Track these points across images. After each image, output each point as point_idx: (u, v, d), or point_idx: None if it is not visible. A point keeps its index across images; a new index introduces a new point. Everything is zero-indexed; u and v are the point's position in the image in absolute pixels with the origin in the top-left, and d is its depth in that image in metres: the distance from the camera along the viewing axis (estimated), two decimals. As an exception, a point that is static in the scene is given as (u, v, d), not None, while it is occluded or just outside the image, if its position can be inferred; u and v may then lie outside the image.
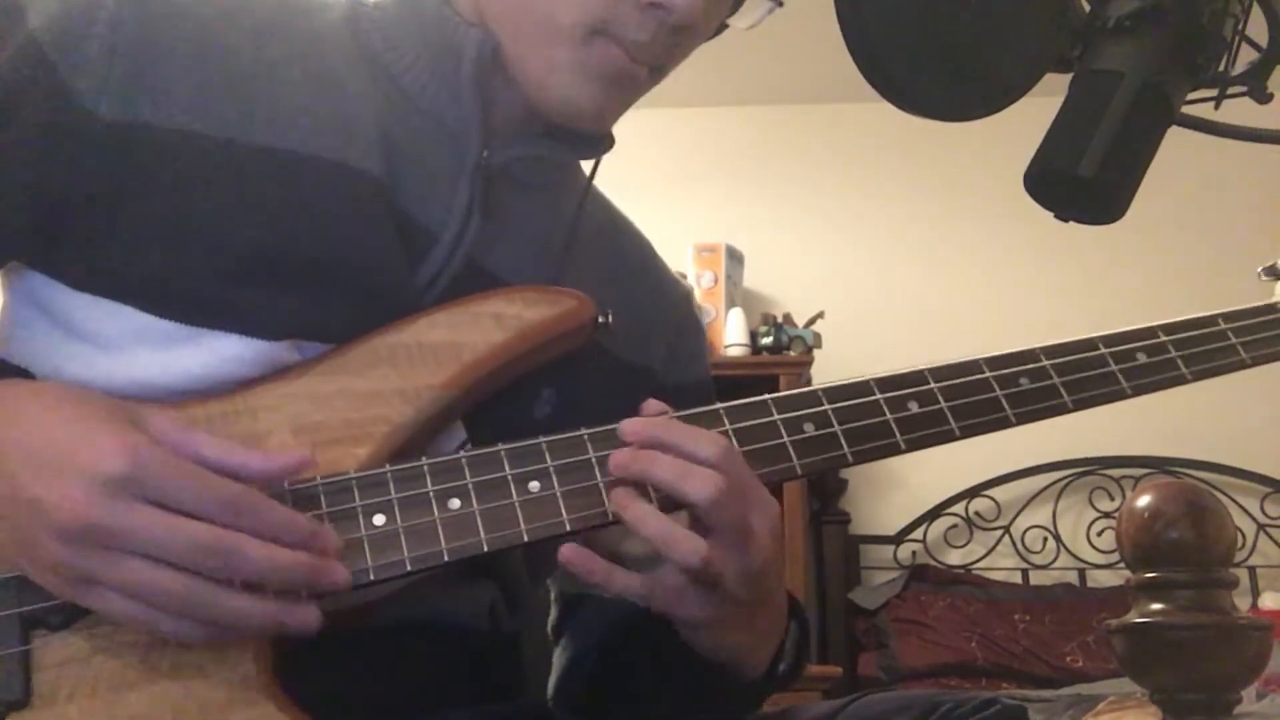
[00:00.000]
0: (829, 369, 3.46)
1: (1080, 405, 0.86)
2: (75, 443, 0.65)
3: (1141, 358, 0.89)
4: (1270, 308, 0.95)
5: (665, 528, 0.73)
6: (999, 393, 0.84)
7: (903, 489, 3.53)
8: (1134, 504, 0.73)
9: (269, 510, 0.68)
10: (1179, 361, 0.89)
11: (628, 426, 0.76)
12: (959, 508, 3.53)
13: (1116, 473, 3.48)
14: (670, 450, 0.75)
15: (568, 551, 0.74)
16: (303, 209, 0.78)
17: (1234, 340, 0.92)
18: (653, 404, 0.79)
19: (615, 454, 0.75)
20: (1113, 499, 3.49)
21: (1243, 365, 0.91)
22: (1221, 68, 0.72)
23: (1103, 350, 0.88)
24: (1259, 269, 1.00)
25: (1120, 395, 0.87)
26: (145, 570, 0.64)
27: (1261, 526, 3.42)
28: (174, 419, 0.71)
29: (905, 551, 3.54)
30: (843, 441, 0.81)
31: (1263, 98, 0.75)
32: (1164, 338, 0.90)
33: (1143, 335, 0.90)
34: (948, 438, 0.83)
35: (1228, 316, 0.93)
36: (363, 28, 0.87)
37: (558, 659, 0.98)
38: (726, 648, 0.80)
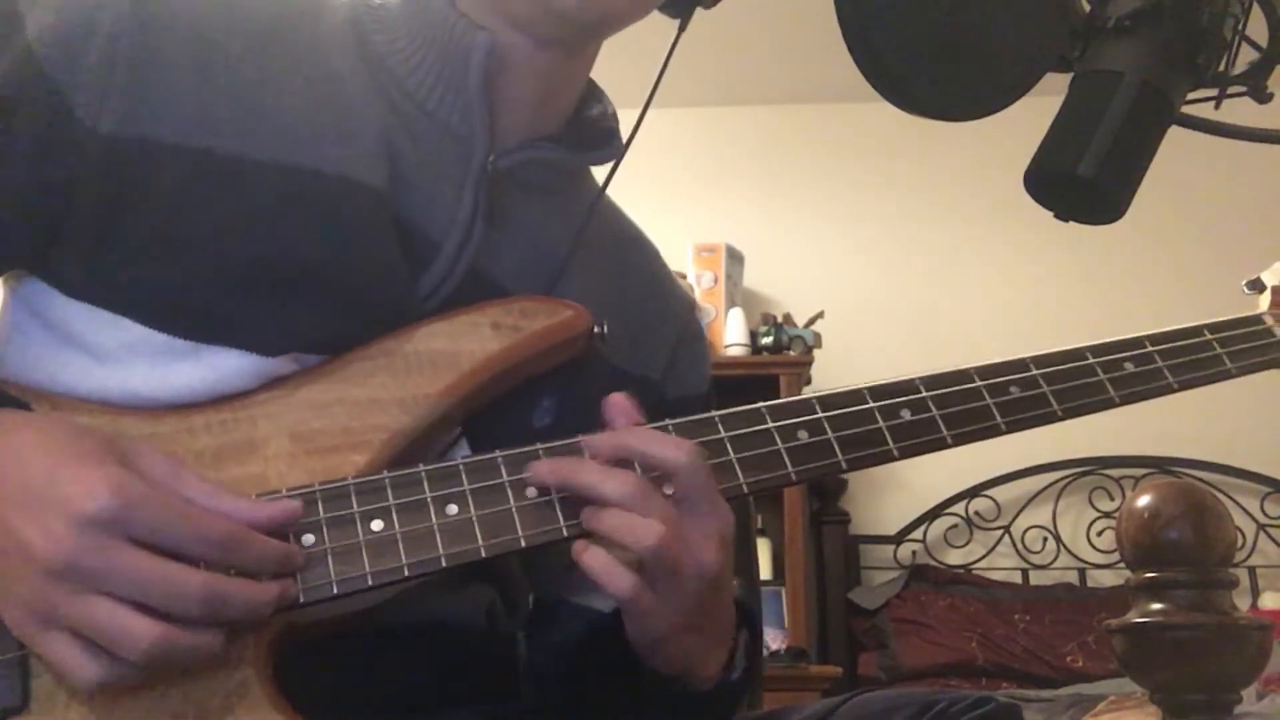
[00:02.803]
0: (829, 369, 3.46)
1: (1070, 414, 0.87)
2: (61, 477, 0.64)
3: (1129, 367, 0.90)
4: (1255, 318, 0.97)
5: (619, 517, 0.74)
6: (990, 401, 0.86)
7: (903, 489, 3.53)
8: (1134, 504, 0.73)
9: (257, 546, 0.68)
10: (1165, 371, 0.91)
11: (536, 473, 0.76)
12: (959, 508, 3.53)
13: (1116, 473, 3.49)
14: (636, 458, 0.76)
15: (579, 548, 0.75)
16: (303, 223, 0.78)
17: (1219, 350, 0.93)
18: (616, 401, 0.79)
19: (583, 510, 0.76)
20: (1113, 499, 3.49)
21: (1228, 375, 0.93)
22: (1221, 68, 0.72)
23: (1091, 360, 0.90)
24: (1243, 282, 1.02)
25: (1109, 404, 0.89)
26: (118, 614, 0.63)
27: (1261, 526, 3.42)
28: (169, 457, 0.70)
29: (905, 551, 3.54)
30: (837, 449, 0.82)
31: (1263, 98, 0.75)
32: (1151, 348, 0.92)
33: (1130, 345, 0.92)
34: (940, 445, 0.84)
35: (1213, 327, 0.95)
36: (367, 30, 0.86)
37: (528, 657, 0.98)
38: (680, 655, 0.80)
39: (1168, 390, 0.91)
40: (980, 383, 0.86)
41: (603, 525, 0.74)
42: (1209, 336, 0.94)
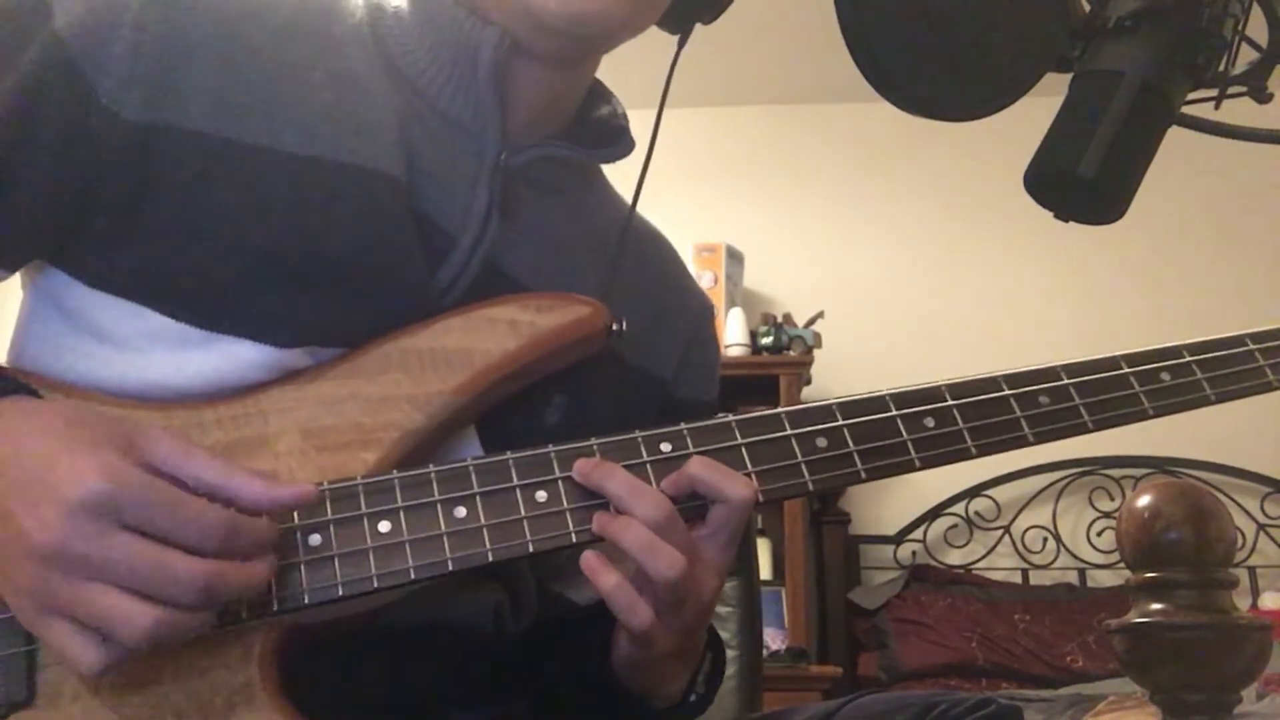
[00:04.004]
0: (829, 369, 3.46)
1: (1100, 426, 0.84)
2: (55, 464, 0.64)
3: (1166, 378, 0.86)
4: None
5: (648, 538, 0.74)
6: (1019, 413, 0.83)
7: (903, 489, 3.53)
8: (1134, 504, 0.73)
9: (251, 531, 0.67)
10: (1204, 383, 0.87)
11: (579, 467, 0.76)
12: (959, 508, 3.53)
13: (1116, 473, 3.48)
14: (703, 487, 0.76)
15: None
16: (322, 213, 0.78)
17: (1262, 362, 0.89)
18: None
19: (596, 515, 0.76)
20: (1113, 499, 3.49)
21: (1269, 388, 0.89)
22: (1221, 68, 0.72)
23: (1125, 370, 0.86)
24: None
25: (1142, 416, 0.86)
26: (114, 600, 0.63)
27: (1261, 526, 3.42)
28: (178, 437, 0.69)
29: (905, 551, 3.54)
30: (856, 459, 0.80)
31: (1263, 98, 0.75)
32: (1189, 358, 0.88)
33: (1167, 355, 0.88)
34: (963, 456, 0.82)
35: (1256, 337, 0.90)
36: (381, 33, 0.87)
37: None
38: (654, 675, 0.82)
39: (1205, 403, 0.87)
40: (1008, 391, 0.83)
41: (625, 538, 0.74)
42: (1251, 347, 0.89)
